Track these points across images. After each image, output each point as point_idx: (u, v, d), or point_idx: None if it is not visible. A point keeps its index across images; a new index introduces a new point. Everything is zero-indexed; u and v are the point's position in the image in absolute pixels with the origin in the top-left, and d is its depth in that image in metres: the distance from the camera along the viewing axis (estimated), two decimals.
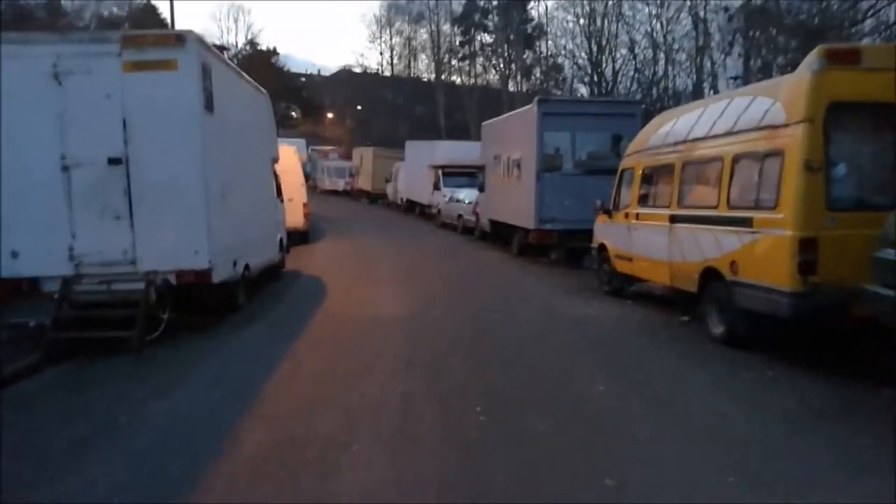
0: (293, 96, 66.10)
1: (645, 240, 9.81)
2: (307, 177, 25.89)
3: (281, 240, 13.52)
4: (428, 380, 6.56)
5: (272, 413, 5.70)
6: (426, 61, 56.95)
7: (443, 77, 53.42)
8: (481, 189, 19.96)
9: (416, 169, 29.08)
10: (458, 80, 54.17)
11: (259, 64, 53.24)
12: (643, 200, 10.10)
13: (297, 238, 17.80)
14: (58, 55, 7.87)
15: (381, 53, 59.46)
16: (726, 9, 28.26)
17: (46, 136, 7.88)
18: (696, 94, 29.94)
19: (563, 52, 41.72)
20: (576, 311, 10.00)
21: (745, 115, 7.51)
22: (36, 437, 5.27)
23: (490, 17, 49.84)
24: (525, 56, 46.08)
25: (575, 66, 39.39)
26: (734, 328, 7.54)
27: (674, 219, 8.83)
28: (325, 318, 9.69)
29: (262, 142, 12.24)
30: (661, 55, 34.84)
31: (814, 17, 23.74)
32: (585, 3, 37.43)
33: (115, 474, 4.55)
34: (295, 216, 17.26)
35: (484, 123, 20.73)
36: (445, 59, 53.92)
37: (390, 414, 5.59)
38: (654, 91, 34.01)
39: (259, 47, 63.90)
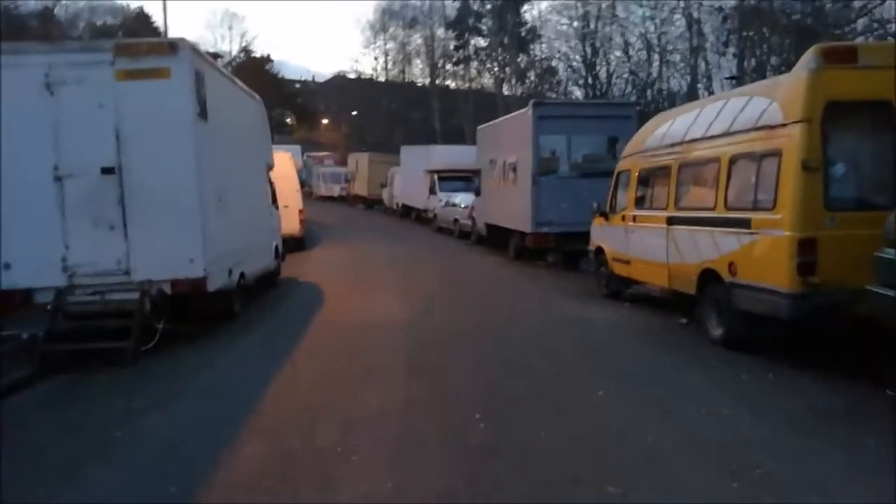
0: (288, 103, 66.11)
1: (642, 242, 9.77)
2: (303, 183, 25.87)
3: (277, 247, 13.44)
4: (427, 386, 6.50)
5: (270, 424, 5.62)
6: (421, 66, 57.04)
7: (437, 82, 53.48)
8: (477, 193, 19.92)
9: (411, 174, 29.04)
10: (453, 85, 54.26)
11: (253, 71, 53.16)
12: (640, 202, 10.06)
13: (294, 245, 17.72)
14: (50, 65, 7.81)
15: (376, 59, 59.17)
16: (720, 9, 28.33)
17: (39, 146, 7.81)
18: (691, 95, 30.01)
19: (557, 55, 41.89)
20: (574, 315, 9.95)
21: (742, 116, 7.47)
22: (29, 452, 5.18)
23: (484, 20, 49.86)
24: (519, 59, 46.15)
25: (569, 69, 39.55)
26: (733, 330, 7.50)
27: (671, 221, 8.79)
28: (322, 326, 9.62)
29: (256, 148, 12.19)
30: (656, 57, 34.96)
31: (807, 17, 23.81)
32: (579, 5, 37.54)
33: (110, 490, 4.47)
34: (291, 223, 17.18)
35: (479, 127, 20.71)
36: (440, 64, 53.98)
37: (390, 422, 5.52)
38: (649, 93, 34.10)
39: (253, 54, 63.85)
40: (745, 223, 7.13)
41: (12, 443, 5.34)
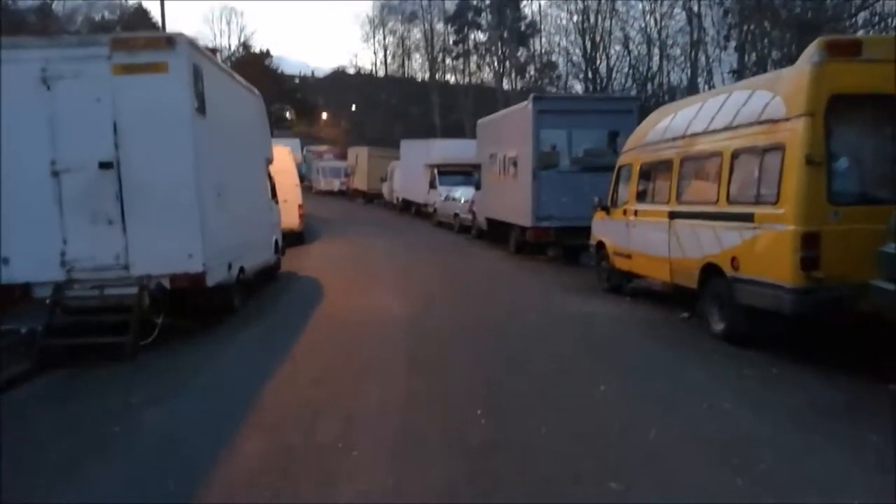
0: (287, 98, 66.01)
1: (644, 236, 9.73)
2: (302, 177, 25.78)
3: (276, 241, 13.40)
4: (428, 382, 6.46)
5: (270, 419, 5.59)
6: (420, 60, 56.93)
7: (437, 76, 53.38)
8: (477, 187, 19.88)
9: (411, 168, 28.98)
10: (453, 79, 54.17)
11: (252, 66, 53.07)
12: (641, 197, 10.01)
13: (293, 239, 17.66)
14: (46, 59, 7.74)
15: (375, 53, 59.59)
16: (721, 2, 28.24)
17: (36, 141, 7.76)
18: (691, 89, 29.91)
19: (557, 50, 41.79)
20: (575, 309, 9.92)
21: (745, 110, 7.42)
22: (28, 447, 5.15)
23: (483, 15, 49.78)
24: (519, 54, 46.07)
25: (569, 63, 39.40)
26: (735, 325, 7.47)
27: (673, 215, 8.74)
28: (322, 320, 9.59)
29: (255, 143, 12.13)
30: (656, 51, 34.85)
31: (808, 11, 23.74)
32: None
33: (108, 487, 4.43)
34: (290, 217, 17.12)
35: (479, 121, 20.64)
36: (439, 58, 53.88)
37: (391, 418, 5.49)
38: (649, 87, 34.00)
39: (252, 50, 63.79)
40: (747, 217, 7.09)
41: (11, 438, 5.30)
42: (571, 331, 8.64)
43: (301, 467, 4.58)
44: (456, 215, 22.99)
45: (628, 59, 36.06)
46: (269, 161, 13.28)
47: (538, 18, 45.39)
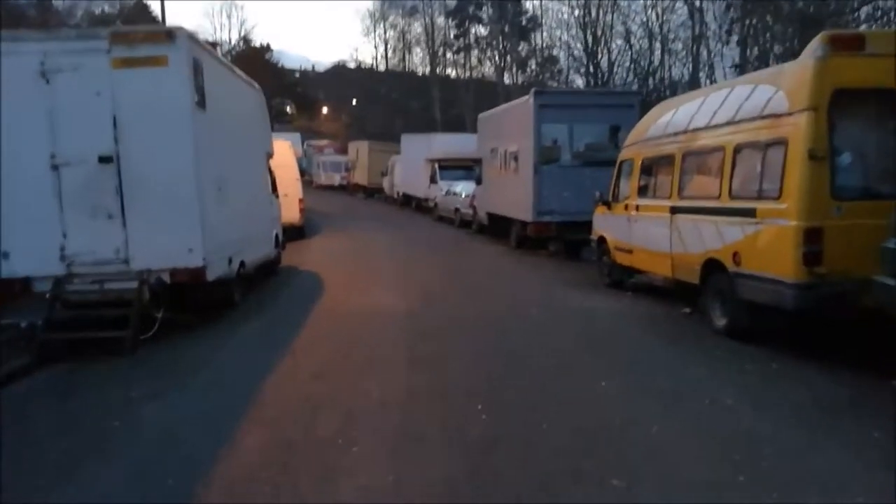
0: (288, 92, 65.86)
1: (645, 231, 9.70)
2: (303, 172, 25.75)
3: (277, 236, 13.38)
4: (428, 377, 6.45)
5: (270, 414, 5.58)
6: (421, 55, 56.85)
7: (438, 70, 53.30)
8: (478, 182, 19.83)
9: (412, 162, 28.92)
10: (454, 74, 54.07)
11: (253, 60, 52.92)
12: (643, 191, 9.98)
13: (294, 233, 17.65)
14: (45, 53, 7.70)
15: (376, 47, 59.45)
16: None
17: (35, 134, 7.73)
18: (693, 83, 29.82)
19: (558, 44, 41.66)
20: (576, 304, 9.90)
21: (747, 104, 7.38)
22: (27, 442, 5.13)
23: (484, 9, 49.64)
24: (520, 48, 45.96)
25: (570, 58, 39.27)
26: (737, 320, 7.44)
27: (675, 210, 8.71)
28: (322, 315, 9.57)
29: (256, 137, 12.09)
30: (657, 45, 34.73)
31: (810, 6, 23.65)
32: None
33: (108, 483, 4.42)
34: (291, 211, 17.10)
35: (480, 116, 20.57)
36: (440, 53, 53.77)
37: (391, 413, 5.48)
38: (651, 81, 33.90)
39: (252, 44, 63.64)
40: (749, 212, 7.05)
41: (10, 433, 5.29)
42: (572, 326, 8.62)
43: (301, 462, 4.57)
44: (457, 210, 22.95)
45: (630, 53, 35.95)
46: (270, 155, 13.25)
47: (539, 12, 45.37)
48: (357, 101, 60.68)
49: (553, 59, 43.74)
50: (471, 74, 51.67)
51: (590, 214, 11.94)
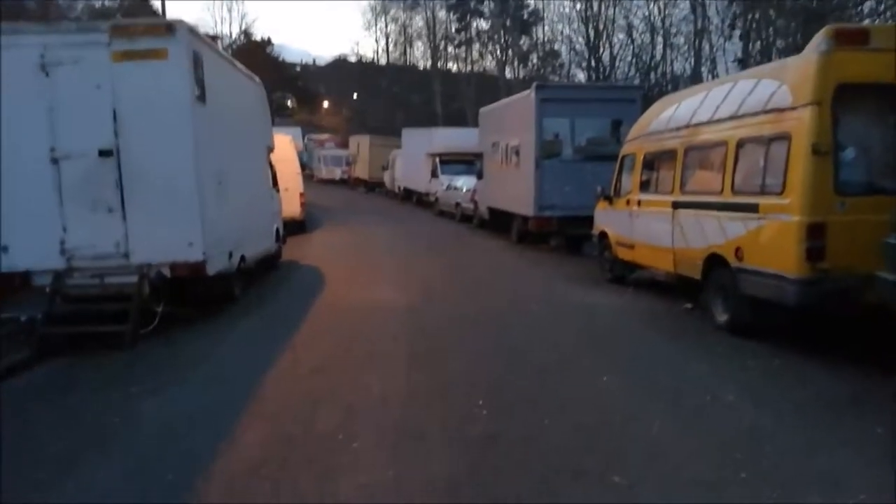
0: (289, 86, 65.66)
1: (647, 226, 9.67)
2: (303, 166, 25.69)
3: (277, 230, 13.35)
4: (429, 373, 6.43)
5: (270, 409, 5.56)
6: (422, 49, 56.64)
7: (439, 65, 53.11)
8: (479, 176, 19.78)
9: (413, 157, 28.87)
10: (455, 68, 53.91)
11: (253, 54, 52.75)
12: (645, 186, 9.94)
13: (294, 228, 17.64)
14: (45, 46, 7.66)
15: (377, 41, 59.16)
16: None
17: (35, 128, 7.69)
18: (695, 78, 29.71)
19: (559, 38, 41.51)
20: (577, 300, 9.87)
21: (750, 99, 7.34)
22: (27, 437, 5.12)
23: (486, 3, 49.46)
24: (522, 42, 45.80)
25: (572, 52, 39.13)
26: (739, 316, 7.41)
27: (677, 205, 8.68)
28: (323, 309, 9.55)
29: (256, 131, 12.05)
30: (659, 39, 34.60)
31: (812, 0, 23.56)
32: None
33: (108, 478, 4.40)
34: (291, 206, 17.07)
35: (481, 110, 20.52)
36: (441, 47, 53.59)
37: (391, 409, 5.46)
38: (653, 76, 33.78)
39: (253, 37, 63.46)
40: (752, 208, 7.02)
41: (10, 427, 5.28)
42: (573, 321, 8.60)
43: (301, 458, 4.54)
44: (457, 204, 22.91)
45: (631, 47, 35.83)
46: (270, 149, 13.22)
47: (541, 6, 45.07)
48: (358, 95, 60.55)
49: (555, 54, 43.64)
50: (472, 69, 51.54)
51: (591, 209, 11.89)
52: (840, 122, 6.28)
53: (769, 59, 22.37)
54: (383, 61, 59.94)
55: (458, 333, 8.02)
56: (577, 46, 38.22)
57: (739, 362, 6.55)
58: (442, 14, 52.69)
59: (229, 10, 69.47)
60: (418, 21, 55.14)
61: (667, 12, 33.96)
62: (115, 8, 45.62)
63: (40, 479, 4.38)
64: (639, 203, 9.96)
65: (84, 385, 6.42)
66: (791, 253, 6.41)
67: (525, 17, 45.89)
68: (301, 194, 18.76)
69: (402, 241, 17.75)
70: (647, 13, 35.05)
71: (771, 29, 26.46)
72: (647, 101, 13.27)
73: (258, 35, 64.64)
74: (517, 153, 15.77)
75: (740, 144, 7.39)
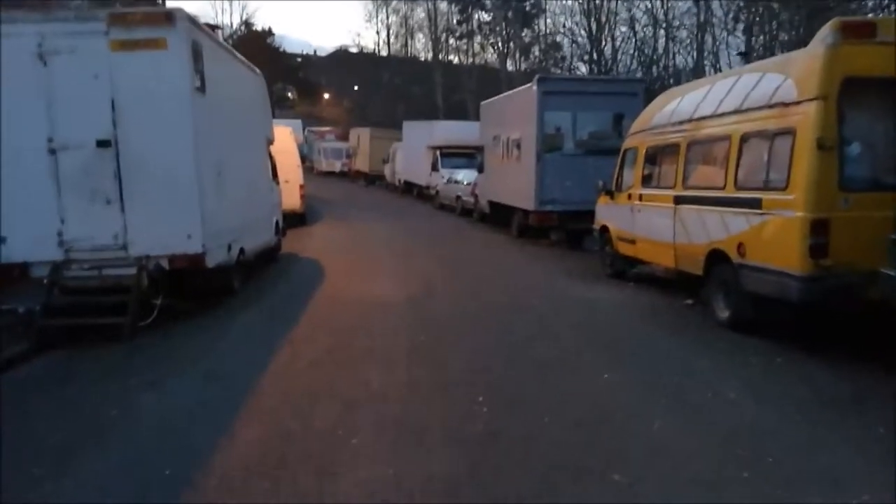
0: (289, 77, 65.46)
1: (648, 221, 9.61)
2: (303, 158, 25.61)
3: (277, 222, 13.30)
4: (429, 368, 6.39)
5: (269, 404, 5.52)
6: (423, 40, 56.35)
7: (440, 56, 52.85)
8: (480, 170, 19.70)
9: (413, 150, 28.75)
10: (456, 60, 53.64)
11: (254, 45, 52.51)
12: (647, 181, 9.88)
13: (294, 220, 17.59)
14: (42, 34, 7.59)
15: (378, 33, 58.74)
16: None
17: (32, 118, 7.63)
18: (697, 72, 29.58)
19: (561, 30, 41.24)
20: (578, 295, 9.83)
21: (754, 93, 7.27)
22: (25, 431, 5.09)
23: None
24: (523, 34, 45.54)
25: (574, 45, 38.90)
26: (741, 312, 7.38)
27: (679, 200, 8.62)
28: (322, 303, 9.51)
29: (256, 123, 11.98)
30: (662, 32, 34.42)
31: None
32: None
33: (105, 472, 4.37)
34: (291, 198, 17.02)
35: (483, 103, 20.42)
36: (443, 38, 53.32)
37: (391, 405, 5.42)
38: (655, 69, 33.63)
39: (254, 28, 63.17)
40: (755, 203, 6.96)
41: (8, 420, 5.25)
42: (574, 317, 8.56)
43: (300, 454, 4.51)
44: (458, 198, 22.84)
45: (634, 40, 35.61)
46: (270, 141, 13.15)
47: None
48: (359, 87, 60.32)
49: (556, 46, 43.35)
50: (474, 61, 51.23)
51: (592, 204, 11.83)
52: (846, 117, 6.20)
53: (773, 53, 22.29)
54: (384, 53, 59.72)
55: (459, 328, 7.98)
56: (580, 39, 37.99)
57: (741, 359, 6.52)
58: (443, 6, 52.38)
59: (230, 1, 69.06)
60: (420, 12, 54.87)
61: (669, 5, 33.77)
62: None
63: (38, 471, 4.35)
64: (640, 198, 9.90)
65: (82, 377, 6.40)
66: (794, 249, 6.36)
67: (527, 9, 45.59)
68: (301, 186, 18.70)
69: (402, 235, 17.70)
70: (649, 6, 34.81)
71: (774, 22, 26.33)
72: (650, 95, 13.20)
73: (259, 25, 64.35)
74: (518, 147, 15.70)
75: (744, 139, 7.33)
